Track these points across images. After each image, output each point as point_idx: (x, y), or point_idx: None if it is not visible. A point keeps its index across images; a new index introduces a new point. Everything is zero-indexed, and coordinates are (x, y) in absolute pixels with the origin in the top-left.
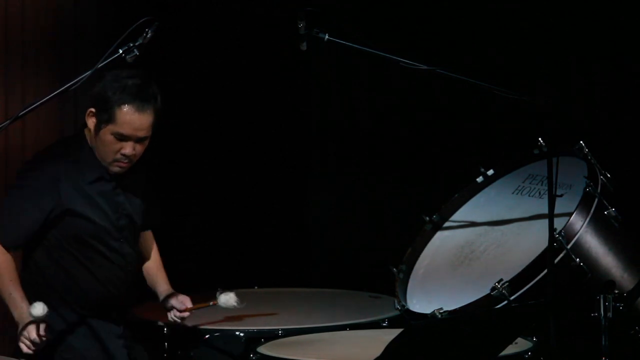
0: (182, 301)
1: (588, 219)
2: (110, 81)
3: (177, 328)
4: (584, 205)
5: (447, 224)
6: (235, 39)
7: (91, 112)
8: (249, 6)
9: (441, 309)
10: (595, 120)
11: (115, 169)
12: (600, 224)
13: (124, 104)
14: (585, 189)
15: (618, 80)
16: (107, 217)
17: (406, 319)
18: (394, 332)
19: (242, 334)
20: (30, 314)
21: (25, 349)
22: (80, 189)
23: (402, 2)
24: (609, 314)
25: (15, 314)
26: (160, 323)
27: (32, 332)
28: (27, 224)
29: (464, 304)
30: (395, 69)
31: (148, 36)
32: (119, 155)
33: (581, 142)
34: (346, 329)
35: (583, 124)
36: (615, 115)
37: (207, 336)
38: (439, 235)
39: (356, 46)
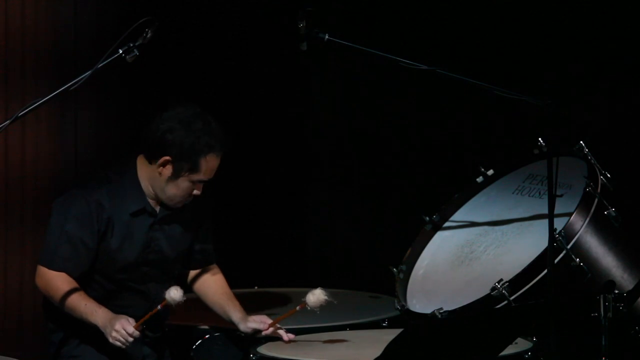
0: (262, 320)
1: (588, 219)
2: (183, 127)
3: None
4: (584, 205)
5: (447, 224)
6: (236, 39)
7: (167, 160)
8: (249, 6)
9: (441, 309)
10: (595, 120)
11: (179, 205)
12: (600, 224)
13: (209, 153)
14: (585, 189)
15: (618, 80)
16: (137, 252)
17: (406, 319)
18: (394, 332)
19: (242, 334)
20: (169, 298)
21: (120, 344)
22: (119, 218)
23: (402, 2)
24: (609, 314)
25: (98, 317)
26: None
27: (128, 326)
28: (85, 252)
29: (464, 304)
30: (395, 70)
31: (148, 36)
32: (189, 197)
33: (581, 142)
34: (346, 329)
35: (583, 124)
36: (615, 115)
37: (207, 336)
38: (439, 235)
39: (356, 46)
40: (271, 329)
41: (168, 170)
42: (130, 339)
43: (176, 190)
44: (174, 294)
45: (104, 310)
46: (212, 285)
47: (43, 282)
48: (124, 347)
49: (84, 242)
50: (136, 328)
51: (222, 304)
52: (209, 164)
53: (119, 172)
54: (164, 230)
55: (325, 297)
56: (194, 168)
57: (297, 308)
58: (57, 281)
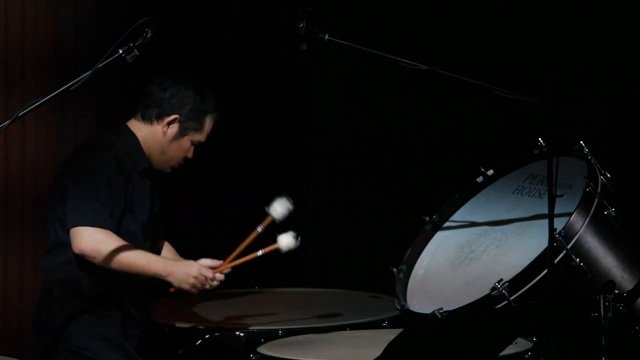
0: (210, 264)
1: (588, 219)
2: (190, 88)
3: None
4: (584, 205)
5: (447, 224)
6: (236, 39)
7: (175, 118)
8: (249, 6)
9: (441, 309)
10: (595, 120)
11: (169, 170)
12: (600, 224)
13: (212, 113)
14: (585, 189)
15: (618, 80)
16: (142, 215)
17: (406, 319)
18: (394, 332)
19: (242, 334)
20: (283, 244)
21: (196, 291)
22: (132, 177)
23: (402, 2)
24: (609, 314)
25: (161, 267)
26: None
27: (206, 271)
28: (117, 205)
29: (464, 304)
30: (395, 70)
31: (148, 36)
32: (182, 161)
33: (581, 142)
34: (346, 329)
35: (583, 124)
36: (615, 115)
37: (207, 336)
38: (439, 235)
39: (356, 46)
40: (225, 269)
41: (174, 129)
42: (215, 283)
43: (178, 150)
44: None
45: (165, 259)
46: (168, 253)
47: (91, 242)
48: (196, 291)
49: (118, 200)
50: (220, 271)
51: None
52: (209, 125)
53: (117, 135)
54: (155, 194)
55: (289, 206)
56: (199, 127)
57: (259, 229)
58: (106, 237)
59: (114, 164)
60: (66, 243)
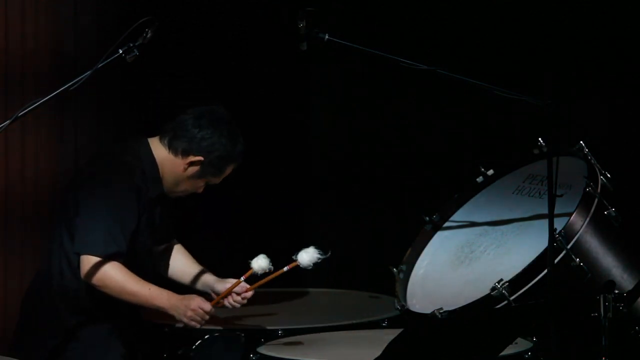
0: (241, 285)
1: (588, 219)
2: (223, 134)
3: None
4: (584, 205)
5: (447, 224)
6: (236, 39)
7: (199, 161)
8: (249, 6)
9: (441, 309)
10: (595, 120)
11: (174, 196)
12: (600, 224)
13: (235, 162)
14: (585, 189)
15: (618, 80)
16: (148, 238)
17: (406, 319)
18: (394, 332)
19: (242, 334)
20: (257, 266)
21: (196, 324)
22: (145, 202)
23: (402, 2)
24: (609, 314)
25: (165, 300)
26: (159, 323)
27: (205, 304)
28: (128, 231)
29: (464, 304)
30: (395, 70)
31: (148, 36)
32: (190, 194)
33: (581, 142)
34: (346, 329)
35: (583, 123)
36: (615, 115)
37: (207, 336)
38: (439, 235)
39: (356, 46)
40: (249, 293)
41: (194, 169)
42: (207, 317)
43: (190, 187)
44: (262, 262)
45: (169, 293)
46: (180, 255)
47: (96, 272)
48: (199, 326)
49: (130, 227)
50: (213, 305)
51: (195, 269)
52: (229, 171)
53: (137, 152)
54: (161, 216)
55: (318, 256)
56: (218, 174)
57: (286, 268)
58: (112, 270)
59: (133, 193)
60: (70, 256)
